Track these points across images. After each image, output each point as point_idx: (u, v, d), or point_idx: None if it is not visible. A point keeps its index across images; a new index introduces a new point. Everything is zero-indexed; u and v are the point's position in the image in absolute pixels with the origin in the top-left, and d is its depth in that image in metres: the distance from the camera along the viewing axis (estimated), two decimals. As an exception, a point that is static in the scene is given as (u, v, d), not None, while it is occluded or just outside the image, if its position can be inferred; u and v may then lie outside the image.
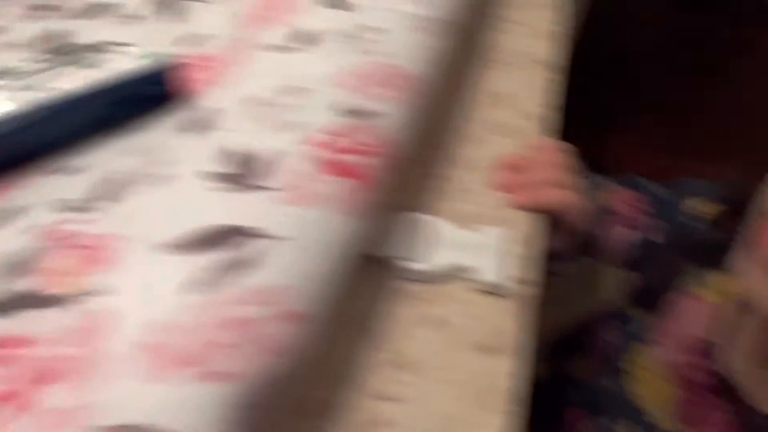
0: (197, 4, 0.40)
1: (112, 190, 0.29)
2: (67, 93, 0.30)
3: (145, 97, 0.32)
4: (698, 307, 0.43)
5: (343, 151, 0.28)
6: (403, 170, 0.32)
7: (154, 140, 0.31)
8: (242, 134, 0.29)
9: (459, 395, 0.29)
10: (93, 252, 0.26)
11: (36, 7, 0.38)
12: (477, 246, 0.33)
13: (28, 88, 0.30)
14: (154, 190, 0.28)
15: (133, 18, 0.39)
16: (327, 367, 0.29)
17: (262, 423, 0.22)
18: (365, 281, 0.32)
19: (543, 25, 0.47)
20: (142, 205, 0.27)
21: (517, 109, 0.41)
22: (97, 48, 0.32)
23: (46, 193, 0.29)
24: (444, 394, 0.29)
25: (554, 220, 0.37)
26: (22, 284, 0.25)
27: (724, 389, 0.41)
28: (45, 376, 0.21)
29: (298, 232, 0.25)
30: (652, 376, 0.44)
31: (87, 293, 0.24)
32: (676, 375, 0.43)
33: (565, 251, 0.39)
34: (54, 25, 0.37)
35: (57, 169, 0.31)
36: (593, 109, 0.99)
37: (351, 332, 0.30)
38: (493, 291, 0.32)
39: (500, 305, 0.32)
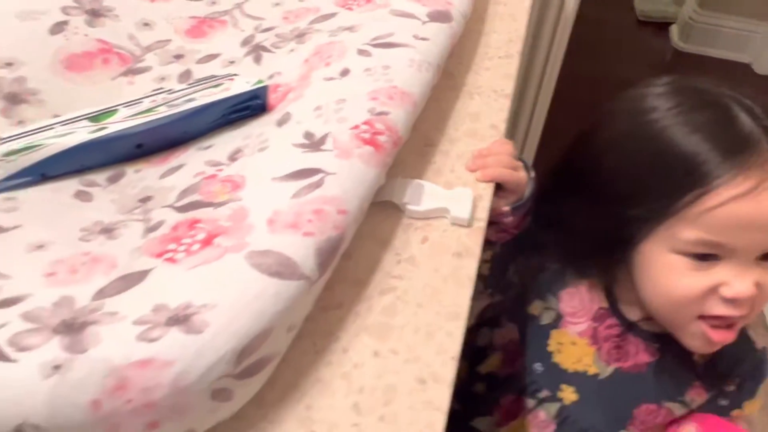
0: (269, 54, 0.61)
1: (231, 155, 0.49)
2: (201, 103, 0.51)
3: (249, 106, 0.53)
4: (582, 291, 0.62)
5: (367, 131, 0.48)
6: (411, 150, 0.52)
7: (255, 129, 0.52)
8: (310, 124, 0.49)
9: (441, 277, 0.48)
10: (227, 183, 0.46)
11: (176, 56, 0.60)
12: (453, 198, 0.52)
13: (184, 100, 0.51)
14: (257, 154, 0.48)
15: (231, 62, 0.61)
16: (366, 260, 0.48)
17: (329, 263, 0.41)
18: (388, 216, 0.52)
19: (504, 70, 0.68)
20: (252, 160, 0.47)
21: (484, 123, 0.62)
22: (220, 77, 0.53)
23: (194, 158, 0.50)
24: (431, 276, 0.48)
25: (504, 187, 0.57)
26: (191, 198, 0.45)
27: (626, 328, 0.60)
28: (215, 234, 0.41)
29: (341, 170, 0.45)
30: (570, 346, 0.63)
31: (229, 201, 0.43)
32: (590, 337, 0.62)
33: (511, 206, 0.59)
34: (187, 66, 0.59)
35: (198, 146, 0.51)
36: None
37: (379, 243, 0.50)
38: (461, 224, 0.52)
39: (465, 231, 0.51)
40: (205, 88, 0.52)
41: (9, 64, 0.54)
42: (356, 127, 0.48)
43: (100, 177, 0.49)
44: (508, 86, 0.65)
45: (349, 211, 0.43)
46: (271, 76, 0.58)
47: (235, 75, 0.54)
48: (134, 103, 0.50)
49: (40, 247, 0.41)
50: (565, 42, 1.26)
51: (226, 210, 0.43)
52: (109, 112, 0.49)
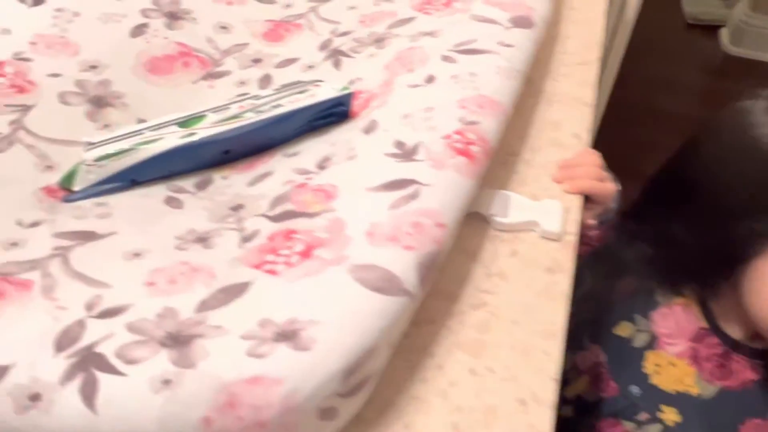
0: (348, 59, 0.60)
1: (319, 162, 0.48)
2: (288, 109, 0.50)
3: (333, 113, 0.52)
4: (676, 312, 0.61)
5: (459, 141, 0.47)
6: (494, 159, 0.50)
7: (340, 137, 0.51)
8: (399, 133, 0.48)
9: (533, 292, 0.46)
10: (319, 192, 0.45)
11: (254, 60, 0.59)
12: (541, 210, 0.51)
13: (271, 106, 0.50)
14: (346, 162, 0.47)
15: (310, 67, 0.60)
16: (455, 273, 0.47)
17: (429, 279, 0.40)
18: (474, 228, 0.50)
19: (583, 77, 0.66)
20: (341, 169, 0.46)
21: (566, 131, 0.60)
22: (305, 83, 0.53)
23: (282, 165, 0.49)
24: (523, 291, 0.46)
25: (590, 199, 0.55)
26: (284, 207, 0.44)
27: (729, 347, 0.58)
28: (313, 245, 0.40)
29: (436, 181, 0.44)
30: (668, 368, 0.61)
31: (323, 211, 0.43)
32: (690, 358, 0.60)
33: (598, 218, 0.57)
34: (266, 70, 0.59)
35: (284, 153, 0.51)
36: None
37: (467, 256, 0.48)
38: (551, 237, 0.50)
39: (555, 245, 0.50)
40: (292, 94, 0.51)
41: (93, 67, 0.54)
42: (448, 136, 0.47)
43: (188, 183, 0.48)
44: (588, 94, 0.64)
45: (446, 224, 0.42)
46: (351, 82, 0.57)
47: (320, 81, 0.53)
48: (222, 108, 0.49)
49: (137, 255, 0.41)
50: (623, 46, 1.23)
51: (321, 221, 0.42)
52: (197, 118, 0.48)
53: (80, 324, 0.35)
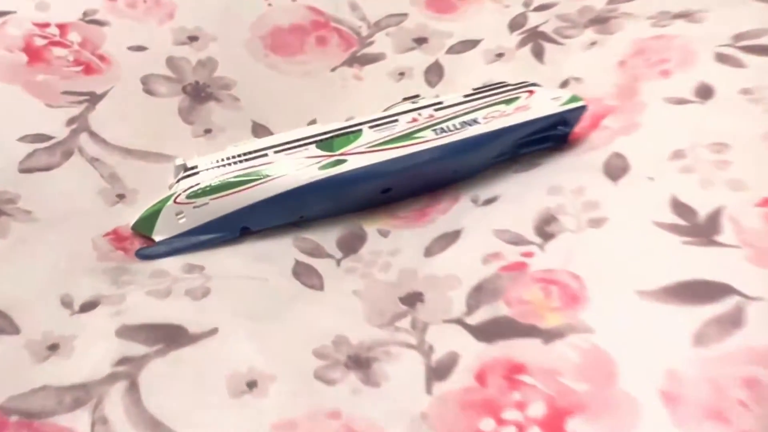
0: (555, 46, 0.41)
1: (540, 224, 0.30)
2: (491, 129, 0.32)
3: (551, 135, 0.34)
4: None
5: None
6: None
7: (566, 179, 0.32)
8: (675, 185, 0.29)
9: None
10: (552, 287, 0.26)
11: (417, 40, 0.41)
12: None
13: (460, 122, 0.32)
14: (589, 230, 0.29)
15: (498, 55, 0.41)
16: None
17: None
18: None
19: None
20: (584, 244, 0.28)
21: None
22: (512, 88, 0.34)
23: (473, 219, 0.31)
24: None
25: None
26: (494, 311, 0.26)
27: None
28: (564, 408, 0.22)
29: (765, 288, 0.25)
30: None
31: (568, 330, 0.25)
32: None
33: None
34: (434, 56, 0.40)
35: (472, 196, 0.32)
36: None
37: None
38: None
39: None
40: (492, 104, 0.33)
41: (193, 39, 0.37)
42: (765, 201, 0.28)
43: (328, 239, 0.31)
44: None
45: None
46: (565, 83, 0.38)
47: (534, 85, 0.34)
48: (384, 122, 0.32)
49: (252, 385, 0.24)
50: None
51: (568, 350, 0.24)
52: (346, 135, 0.31)
53: None
